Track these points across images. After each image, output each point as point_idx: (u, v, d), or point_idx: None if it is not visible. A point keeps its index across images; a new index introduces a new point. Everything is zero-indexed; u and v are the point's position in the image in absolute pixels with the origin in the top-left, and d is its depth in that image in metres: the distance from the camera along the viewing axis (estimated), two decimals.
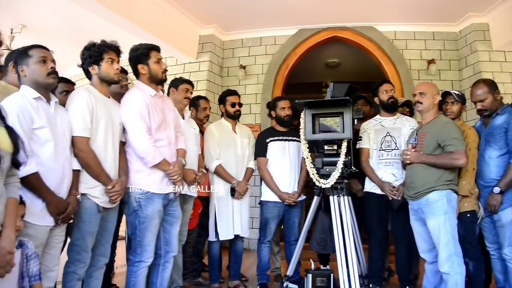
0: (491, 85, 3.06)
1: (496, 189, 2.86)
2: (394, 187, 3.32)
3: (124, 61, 2.73)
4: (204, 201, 3.63)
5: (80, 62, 2.54)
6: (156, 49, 2.82)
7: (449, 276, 2.69)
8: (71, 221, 2.27)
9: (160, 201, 2.68)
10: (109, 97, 2.62)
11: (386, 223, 3.54)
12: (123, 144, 2.67)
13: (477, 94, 3.06)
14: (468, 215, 2.97)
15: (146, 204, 2.61)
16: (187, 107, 3.57)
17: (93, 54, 2.48)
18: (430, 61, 5.78)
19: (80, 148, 2.31)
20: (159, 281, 2.83)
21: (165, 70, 2.85)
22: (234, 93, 3.87)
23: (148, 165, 2.63)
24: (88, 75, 2.56)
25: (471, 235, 2.98)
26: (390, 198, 3.31)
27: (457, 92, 3.26)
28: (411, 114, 3.96)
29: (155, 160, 2.62)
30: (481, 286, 3.03)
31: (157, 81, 2.81)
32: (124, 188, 2.55)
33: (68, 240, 2.43)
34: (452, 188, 2.85)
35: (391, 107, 3.59)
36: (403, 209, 3.23)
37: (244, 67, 6.18)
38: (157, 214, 2.66)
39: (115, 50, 2.57)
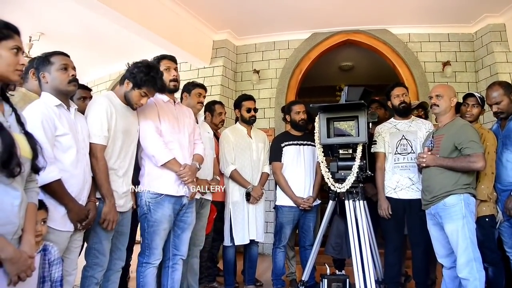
0: (507, 87, 3.02)
1: None
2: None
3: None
4: (219, 206, 3.65)
5: (123, 71, 2.60)
6: (168, 57, 2.89)
7: (468, 282, 2.64)
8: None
9: (171, 206, 2.70)
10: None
11: (402, 227, 3.49)
12: None
13: (492, 97, 3.02)
14: (487, 219, 2.93)
15: (155, 208, 2.65)
16: (201, 111, 3.60)
17: (142, 77, 2.48)
18: (446, 63, 5.72)
19: (93, 155, 2.33)
20: (170, 283, 2.85)
21: (174, 80, 2.88)
22: (250, 98, 3.88)
23: (158, 163, 2.65)
24: (122, 82, 2.56)
25: (490, 240, 2.93)
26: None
27: (479, 95, 3.22)
28: (425, 116, 3.92)
29: (165, 158, 2.65)
30: None
31: (165, 89, 2.82)
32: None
33: (85, 244, 2.47)
34: (470, 192, 2.80)
35: (403, 112, 3.55)
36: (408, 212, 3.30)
37: (257, 72, 6.20)
38: (166, 219, 2.68)
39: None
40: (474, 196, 2.83)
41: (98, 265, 2.36)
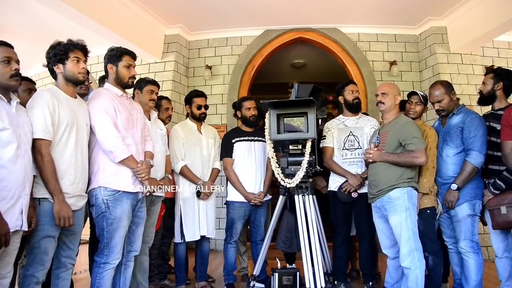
0: (448, 87, 3.18)
1: (454, 186, 2.97)
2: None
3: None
4: (168, 202, 3.59)
5: (45, 62, 2.49)
6: (131, 54, 2.83)
7: (410, 271, 2.78)
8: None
9: (129, 202, 2.64)
10: (75, 97, 2.56)
11: (350, 221, 3.61)
12: None
13: (434, 95, 3.17)
14: (428, 211, 3.07)
15: (114, 205, 2.57)
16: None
17: (59, 52, 2.43)
18: (392, 63, 5.96)
19: (38, 151, 2.23)
20: (122, 281, 2.80)
21: (133, 77, 2.84)
22: (201, 94, 3.83)
23: (116, 159, 2.58)
24: (54, 74, 2.50)
25: (431, 231, 3.09)
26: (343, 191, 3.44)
27: (422, 93, 3.37)
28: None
29: (124, 154, 2.58)
30: (440, 279, 3.16)
31: (123, 84, 2.80)
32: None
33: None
34: (413, 186, 2.94)
35: (356, 108, 3.67)
36: (356, 205, 3.42)
37: (210, 68, 6.16)
38: (126, 215, 2.62)
39: (82, 49, 2.52)
40: (416, 189, 2.97)
41: (39, 264, 2.25)
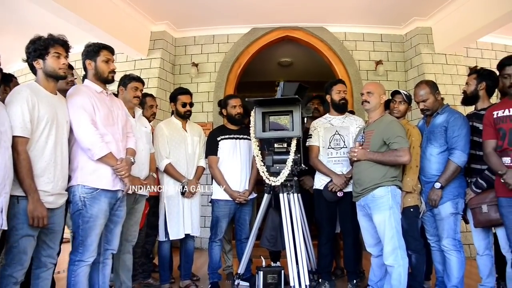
0: (433, 86, 3.21)
1: (437, 185, 3.00)
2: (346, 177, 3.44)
3: (72, 56, 2.63)
4: (153, 200, 3.56)
5: (25, 57, 2.43)
6: (109, 49, 2.78)
7: (393, 269, 2.80)
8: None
9: (107, 200, 2.61)
10: (55, 94, 2.51)
11: (335, 220, 3.63)
12: None
13: (419, 95, 3.20)
14: (412, 209, 3.10)
15: (91, 203, 2.53)
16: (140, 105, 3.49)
17: (38, 47, 2.38)
18: (378, 62, 5.99)
19: (14, 148, 2.19)
20: (101, 279, 2.76)
21: (113, 71, 2.79)
22: (186, 92, 3.78)
23: (94, 157, 2.54)
24: (33, 70, 2.45)
25: (414, 229, 3.11)
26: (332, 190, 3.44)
27: (405, 92, 3.40)
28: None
29: (102, 152, 2.54)
30: (422, 277, 3.19)
31: (102, 79, 2.75)
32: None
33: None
34: (397, 184, 2.96)
35: (342, 108, 3.68)
36: (340, 204, 3.43)
37: (196, 65, 6.11)
38: (103, 214, 2.59)
39: (63, 44, 2.46)
40: (400, 188, 2.99)
41: (17, 264, 2.21)
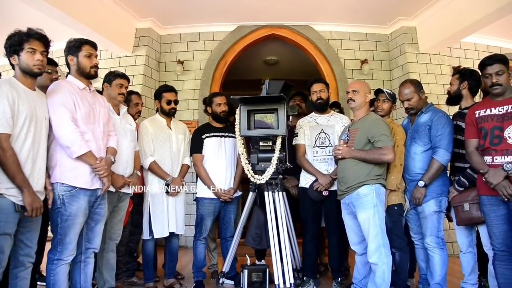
0: (417, 85, 3.24)
1: (421, 183, 3.03)
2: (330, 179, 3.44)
3: (56, 52, 2.58)
4: (137, 198, 3.52)
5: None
6: (91, 44, 2.75)
7: (377, 266, 2.82)
8: None
9: (86, 198, 2.58)
10: (34, 90, 2.46)
11: (320, 218, 3.63)
12: None
13: (404, 94, 3.22)
14: (396, 208, 3.12)
15: (70, 201, 2.50)
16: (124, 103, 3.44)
17: (13, 43, 2.33)
18: (363, 61, 6.03)
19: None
20: (83, 278, 2.73)
21: (95, 66, 2.75)
22: (171, 89, 3.75)
23: (73, 155, 2.50)
24: (13, 66, 2.40)
25: (398, 227, 3.14)
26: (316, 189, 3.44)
27: (389, 91, 3.43)
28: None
29: (81, 150, 2.51)
30: (406, 274, 3.22)
31: (85, 74, 2.72)
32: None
33: None
34: (381, 183, 2.98)
35: (320, 108, 3.67)
36: (325, 202, 3.45)
37: (182, 62, 6.07)
38: (82, 212, 2.56)
39: (39, 38, 2.39)
40: (384, 186, 3.01)
41: None
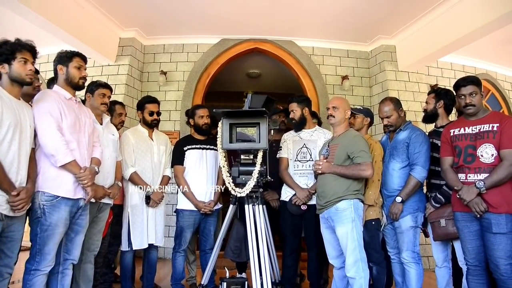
0: (397, 103, 3.33)
1: (398, 199, 3.10)
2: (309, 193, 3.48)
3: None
4: (116, 209, 3.48)
5: None
6: (81, 56, 2.79)
7: (355, 280, 2.85)
8: None
9: (68, 209, 2.56)
10: (19, 99, 2.45)
11: (299, 231, 3.66)
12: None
13: (384, 111, 3.31)
14: (373, 222, 3.17)
15: (51, 211, 2.48)
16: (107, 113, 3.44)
17: (5, 52, 2.34)
18: (344, 77, 6.14)
19: None
20: None
21: (84, 78, 2.78)
22: (153, 100, 3.76)
23: (58, 163, 2.49)
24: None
25: (375, 242, 3.18)
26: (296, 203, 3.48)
27: (359, 107, 3.51)
28: (319, 124, 4.09)
29: (66, 159, 2.50)
30: None
31: (73, 85, 2.74)
32: (30, 196, 2.40)
33: None
34: (359, 198, 3.02)
35: (295, 126, 3.71)
36: (305, 216, 3.48)
37: (165, 73, 6.07)
38: (63, 222, 2.53)
39: (30, 50, 2.43)
40: (362, 201, 3.06)
41: None
